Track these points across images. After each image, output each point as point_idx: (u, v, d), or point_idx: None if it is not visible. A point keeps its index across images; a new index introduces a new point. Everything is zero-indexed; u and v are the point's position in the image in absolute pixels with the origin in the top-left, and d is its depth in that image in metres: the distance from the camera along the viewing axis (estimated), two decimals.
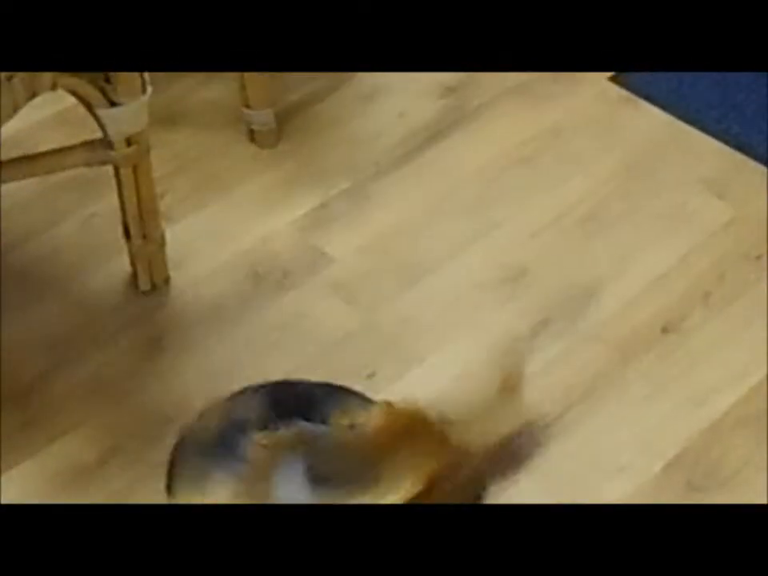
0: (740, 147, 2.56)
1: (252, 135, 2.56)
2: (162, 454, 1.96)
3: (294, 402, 1.85)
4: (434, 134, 2.59)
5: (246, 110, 2.54)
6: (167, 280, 2.29)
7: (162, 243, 2.26)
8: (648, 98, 2.67)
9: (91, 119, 2.07)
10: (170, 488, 1.85)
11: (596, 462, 2.05)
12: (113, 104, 2.01)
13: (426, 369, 2.17)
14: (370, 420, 1.68)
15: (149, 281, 2.27)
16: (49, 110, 2.53)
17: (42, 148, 2.15)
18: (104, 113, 2.03)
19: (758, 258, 2.34)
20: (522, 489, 2.00)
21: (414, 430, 1.65)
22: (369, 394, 2.10)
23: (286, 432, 1.75)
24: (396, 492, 1.47)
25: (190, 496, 1.80)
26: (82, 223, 2.40)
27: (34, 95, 1.95)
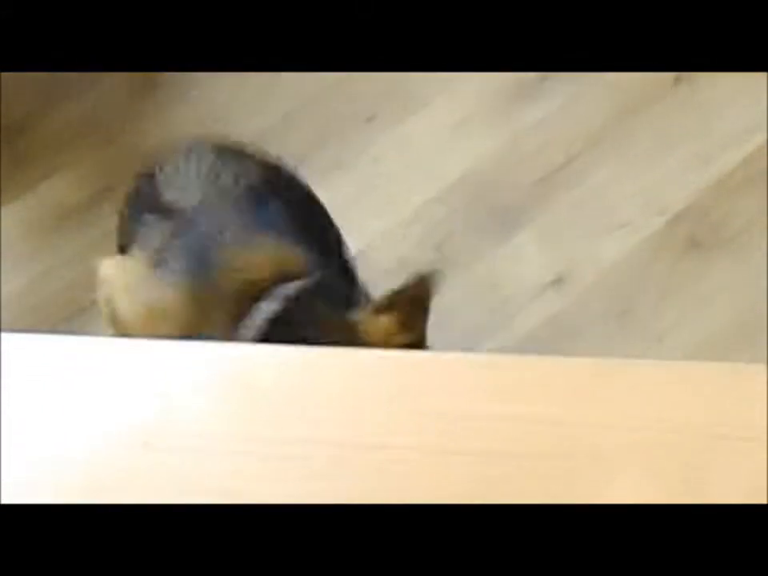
0: None
1: None
2: None
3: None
4: None
5: None
6: None
7: None
8: None
9: None
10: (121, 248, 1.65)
11: (597, 215, 2.01)
12: None
13: (428, 114, 2.10)
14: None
15: None
16: None
17: None
18: None
19: None
20: (519, 242, 1.98)
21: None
22: (367, 138, 2.06)
23: None
24: None
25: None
26: None
27: None
